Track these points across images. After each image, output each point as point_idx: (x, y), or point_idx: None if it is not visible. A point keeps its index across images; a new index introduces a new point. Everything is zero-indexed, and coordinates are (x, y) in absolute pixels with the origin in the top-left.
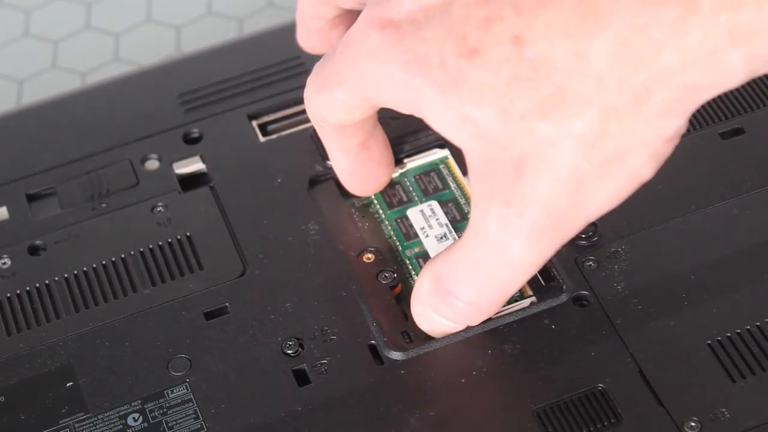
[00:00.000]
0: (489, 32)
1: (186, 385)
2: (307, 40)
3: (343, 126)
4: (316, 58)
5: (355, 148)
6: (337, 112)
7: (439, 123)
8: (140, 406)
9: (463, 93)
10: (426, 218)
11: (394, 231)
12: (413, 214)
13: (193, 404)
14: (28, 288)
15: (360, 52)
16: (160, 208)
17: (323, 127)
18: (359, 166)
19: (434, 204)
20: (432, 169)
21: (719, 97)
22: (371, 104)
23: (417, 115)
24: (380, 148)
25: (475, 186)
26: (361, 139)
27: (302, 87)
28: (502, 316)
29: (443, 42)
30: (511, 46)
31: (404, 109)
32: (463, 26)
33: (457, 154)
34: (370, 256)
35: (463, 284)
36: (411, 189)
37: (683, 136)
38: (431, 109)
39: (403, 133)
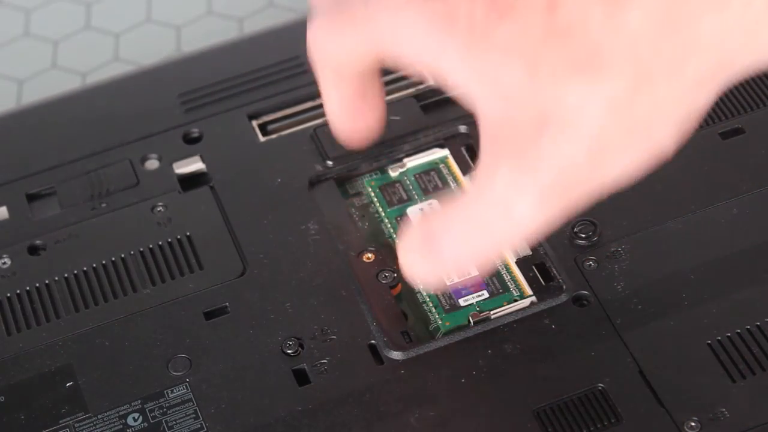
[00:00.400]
0: None
1: (186, 385)
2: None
3: (343, 70)
4: None
5: (350, 94)
6: (344, 56)
7: (459, 79)
8: (140, 406)
9: (489, 49)
10: None
11: (393, 229)
12: (413, 212)
13: (193, 404)
14: (28, 288)
15: (383, 2)
16: (160, 207)
17: (322, 68)
18: (351, 114)
19: (434, 203)
20: (432, 168)
21: (719, 96)
22: (383, 57)
23: (432, 71)
24: (377, 100)
25: (487, 146)
26: (359, 87)
27: (302, 87)
28: (502, 316)
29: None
30: (544, 6)
31: (419, 64)
32: None
33: (457, 154)
34: (370, 255)
35: (455, 237)
36: (411, 188)
37: None
38: (453, 66)
39: (403, 132)
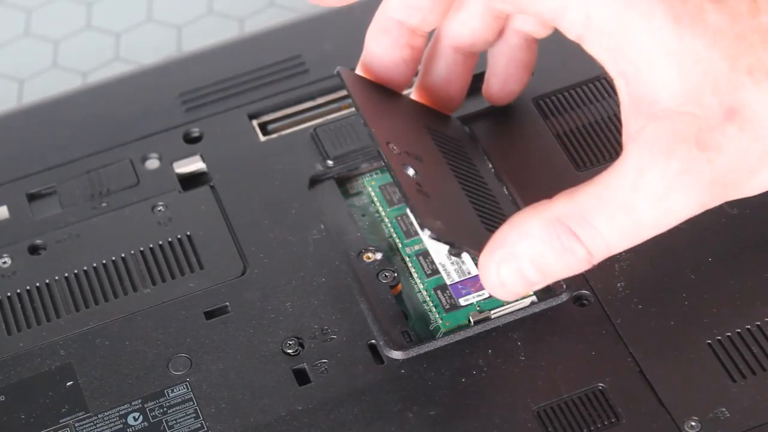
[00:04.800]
0: None
1: (186, 385)
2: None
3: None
4: (317, 57)
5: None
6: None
7: (648, 50)
8: (140, 406)
9: (698, 31)
10: None
11: (394, 228)
12: None
13: (194, 403)
14: (28, 287)
15: None
16: (161, 207)
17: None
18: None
19: None
20: None
21: None
22: (555, 16)
23: (605, 40)
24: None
25: (657, 125)
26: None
27: (303, 86)
28: (502, 315)
29: None
30: (749, 6)
31: (592, 30)
32: None
33: None
34: (370, 255)
35: (597, 227)
36: None
37: None
38: (648, 35)
39: None
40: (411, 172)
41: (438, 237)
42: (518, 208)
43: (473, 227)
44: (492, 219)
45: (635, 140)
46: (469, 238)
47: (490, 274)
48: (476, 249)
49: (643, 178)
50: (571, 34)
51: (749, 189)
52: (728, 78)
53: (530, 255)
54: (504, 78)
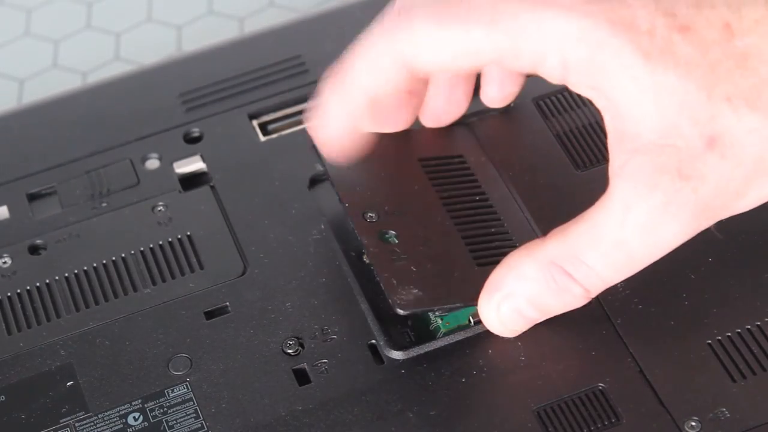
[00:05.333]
0: (700, 14)
1: (186, 385)
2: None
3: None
4: (317, 57)
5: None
6: (448, 57)
7: (624, 88)
8: (140, 406)
9: (669, 64)
10: None
11: None
12: None
13: (194, 403)
14: (28, 287)
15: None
16: (161, 207)
17: (383, 75)
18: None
19: None
20: None
21: None
22: (535, 65)
23: (585, 79)
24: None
25: (639, 159)
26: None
27: (303, 86)
28: None
29: (653, 13)
30: (721, 32)
31: (571, 72)
32: (674, 4)
33: None
34: None
35: (591, 265)
36: None
37: None
38: (621, 73)
39: None
40: (391, 234)
41: (412, 311)
42: (524, 218)
43: (464, 271)
44: (489, 250)
45: (619, 176)
46: (456, 290)
47: (490, 315)
48: (465, 300)
49: (630, 213)
50: (554, 79)
51: (738, 208)
52: (706, 107)
53: (527, 296)
54: (500, 82)
